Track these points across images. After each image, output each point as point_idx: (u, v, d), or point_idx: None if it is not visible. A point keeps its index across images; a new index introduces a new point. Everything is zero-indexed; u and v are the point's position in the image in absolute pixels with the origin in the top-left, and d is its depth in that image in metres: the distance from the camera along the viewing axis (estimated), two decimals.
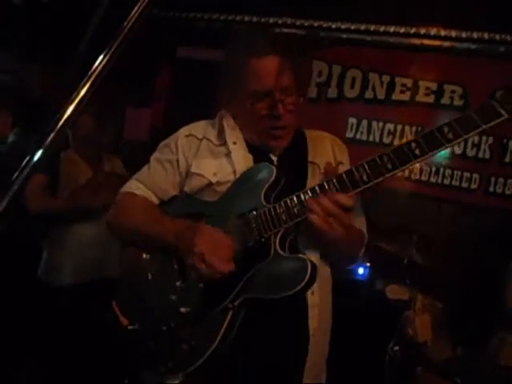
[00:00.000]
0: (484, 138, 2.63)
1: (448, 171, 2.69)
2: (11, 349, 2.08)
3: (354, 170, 1.01)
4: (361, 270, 2.36)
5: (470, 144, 2.66)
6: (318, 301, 1.13)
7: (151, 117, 3.07)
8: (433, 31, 2.69)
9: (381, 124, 2.83)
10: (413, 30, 2.72)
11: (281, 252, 1.04)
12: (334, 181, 1.01)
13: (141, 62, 3.07)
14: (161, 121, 3.08)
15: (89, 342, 2.11)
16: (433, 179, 2.71)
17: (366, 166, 1.00)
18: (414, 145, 0.98)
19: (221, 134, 1.22)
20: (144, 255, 1.22)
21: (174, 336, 1.09)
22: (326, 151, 1.24)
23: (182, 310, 1.09)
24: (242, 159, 1.17)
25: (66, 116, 0.57)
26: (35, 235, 2.33)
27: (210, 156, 1.19)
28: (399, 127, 2.79)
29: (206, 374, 1.05)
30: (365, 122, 2.85)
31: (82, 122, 2.44)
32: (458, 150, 2.68)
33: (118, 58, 0.62)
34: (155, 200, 1.25)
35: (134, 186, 1.25)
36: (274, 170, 1.09)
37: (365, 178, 0.99)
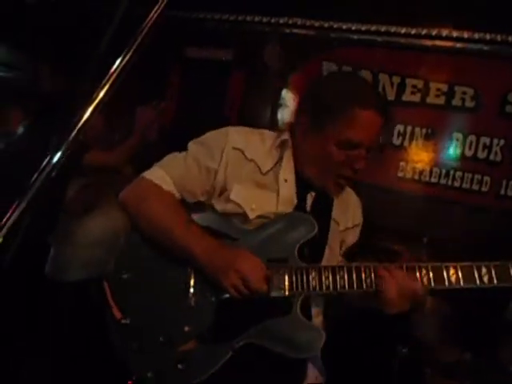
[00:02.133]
0: (495, 140, 2.61)
1: (459, 173, 2.67)
2: (19, 346, 2.09)
3: (417, 268, 1.05)
4: None
5: (481, 146, 2.63)
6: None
7: (162, 116, 3.08)
8: (445, 32, 2.67)
9: (390, 125, 2.81)
10: (424, 31, 2.70)
11: (300, 316, 1.05)
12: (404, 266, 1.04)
13: (150, 62, 3.09)
14: (170, 120, 3.10)
15: (96, 338, 2.12)
16: (443, 181, 2.69)
17: (430, 270, 1.05)
18: (484, 270, 1.03)
19: (274, 159, 1.17)
20: (157, 251, 1.15)
21: (170, 351, 1.07)
22: (349, 210, 1.28)
23: (186, 328, 1.07)
24: (288, 199, 1.15)
25: (85, 117, 0.58)
26: (42, 231, 2.34)
27: (252, 184, 1.15)
28: (409, 129, 2.77)
29: None
30: None
31: (93, 123, 2.45)
32: (468, 153, 2.66)
33: (136, 60, 0.63)
34: (179, 198, 1.19)
35: (161, 177, 1.17)
36: (316, 227, 1.10)
37: (425, 280, 1.05)
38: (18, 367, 2.09)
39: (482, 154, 2.63)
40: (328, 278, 1.04)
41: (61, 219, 2.34)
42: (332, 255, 1.21)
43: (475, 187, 2.62)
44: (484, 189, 2.61)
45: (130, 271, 1.17)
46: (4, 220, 0.54)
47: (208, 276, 1.07)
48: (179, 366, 1.04)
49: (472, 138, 2.65)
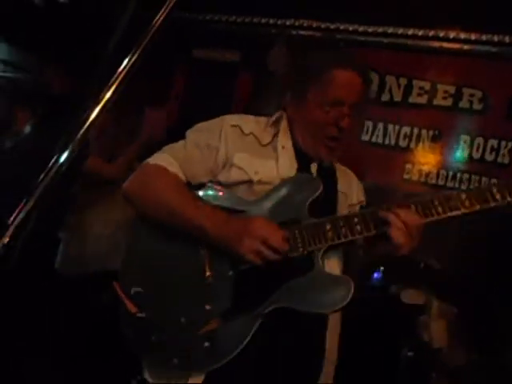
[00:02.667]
0: (503, 142, 2.59)
1: (466, 176, 2.65)
2: (28, 340, 2.11)
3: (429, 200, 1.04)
4: (375, 274, 2.33)
5: (488, 148, 2.61)
6: (334, 323, 1.16)
7: (168, 117, 3.10)
8: (452, 34, 2.65)
9: (397, 127, 2.80)
10: (431, 33, 2.69)
11: (324, 270, 1.05)
12: (419, 206, 1.04)
13: (158, 63, 3.10)
14: (177, 121, 3.11)
15: (106, 332, 2.12)
16: (450, 184, 2.67)
17: (443, 200, 1.03)
18: (495, 189, 1.01)
19: (271, 134, 1.21)
20: (165, 234, 1.13)
21: (194, 331, 1.05)
22: (353, 187, 1.31)
23: (207, 307, 1.05)
24: (287, 165, 1.18)
25: (92, 117, 0.59)
26: (52, 226, 2.36)
27: (253, 153, 1.17)
28: (416, 131, 2.76)
29: (220, 376, 1.03)
30: (381, 125, 2.82)
31: (102, 124, 2.49)
32: (476, 155, 2.64)
33: (143, 60, 0.63)
34: (184, 180, 1.18)
35: (166, 160, 1.18)
36: (321, 183, 1.11)
37: (440, 209, 1.03)
38: (22, 363, 2.10)
39: (489, 157, 2.61)
40: (344, 226, 1.04)
41: (72, 213, 2.37)
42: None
43: None
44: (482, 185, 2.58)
45: (140, 262, 1.16)
46: (11, 219, 0.55)
47: (224, 249, 1.05)
48: (206, 344, 1.02)
49: (480, 140, 2.63)
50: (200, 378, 1.04)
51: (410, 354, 1.79)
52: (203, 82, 3.09)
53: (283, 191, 1.12)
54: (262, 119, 1.27)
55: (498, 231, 2.39)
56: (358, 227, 1.04)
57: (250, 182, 1.14)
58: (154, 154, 1.24)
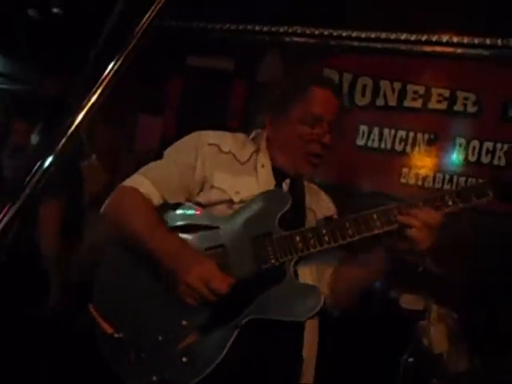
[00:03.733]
0: (499, 144, 2.59)
1: (462, 179, 2.65)
2: (32, 345, 2.08)
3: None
4: None
5: (484, 151, 2.62)
6: (310, 327, 1.17)
7: (163, 125, 3.10)
8: (445, 38, 2.67)
9: (392, 131, 2.80)
10: (424, 37, 2.70)
11: (295, 279, 1.10)
12: (381, 216, 1.09)
13: (152, 71, 3.11)
14: (172, 130, 3.11)
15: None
16: (447, 187, 2.67)
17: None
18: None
19: (249, 152, 1.24)
20: (137, 256, 1.15)
21: (172, 347, 1.06)
22: (321, 204, 1.35)
23: (184, 323, 1.07)
24: (267, 183, 1.21)
25: (77, 122, 0.58)
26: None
27: (232, 173, 1.19)
28: (411, 134, 2.76)
29: None
30: (376, 130, 2.83)
31: (105, 134, 2.54)
32: (472, 158, 2.64)
33: (128, 65, 0.63)
34: (158, 200, 1.18)
35: (139, 181, 1.19)
36: (290, 199, 1.15)
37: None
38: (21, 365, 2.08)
39: (485, 159, 2.61)
40: (313, 237, 1.09)
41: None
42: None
43: None
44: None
45: (113, 282, 1.18)
46: None
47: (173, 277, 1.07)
48: (184, 359, 1.04)
49: (475, 143, 2.63)
50: None
51: (410, 359, 1.78)
52: (198, 89, 3.10)
53: (255, 206, 1.15)
54: (240, 136, 1.29)
55: (499, 234, 2.39)
56: (326, 238, 1.09)
57: (229, 201, 1.17)
58: (151, 161, 1.25)
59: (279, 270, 1.09)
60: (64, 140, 0.56)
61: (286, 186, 1.25)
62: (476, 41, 2.60)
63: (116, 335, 1.09)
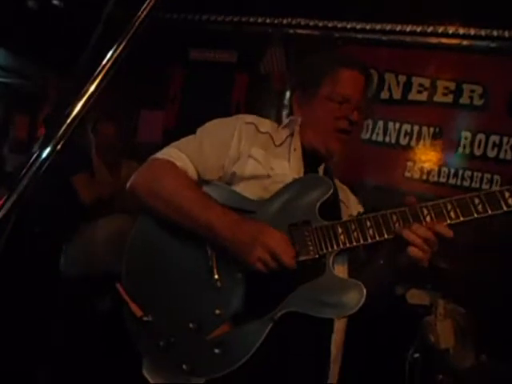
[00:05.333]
0: (505, 138, 2.55)
1: (468, 173, 2.61)
2: (35, 343, 2.09)
3: (442, 204, 1.01)
4: None
5: (490, 144, 2.58)
6: (341, 326, 1.14)
7: (164, 119, 3.08)
8: (451, 29, 2.63)
9: (397, 125, 2.76)
10: (430, 29, 2.66)
11: (336, 274, 1.03)
12: (431, 210, 1.00)
13: (154, 65, 3.08)
14: (174, 123, 3.08)
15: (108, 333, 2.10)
16: (452, 181, 2.64)
17: (456, 203, 1.00)
18: (507, 194, 0.98)
19: (284, 135, 1.22)
20: (171, 232, 1.08)
21: (204, 337, 1.01)
22: (351, 200, 1.32)
23: (217, 311, 1.02)
24: (297, 167, 1.18)
25: (74, 113, 0.55)
26: (56, 231, 2.35)
27: (268, 151, 1.17)
28: (416, 128, 2.73)
29: (228, 379, 1.00)
30: (381, 123, 2.79)
31: (106, 131, 2.53)
32: (478, 151, 2.60)
33: (128, 56, 0.60)
34: (194, 176, 1.14)
35: (174, 155, 1.13)
36: (332, 184, 1.09)
37: (453, 215, 1.00)
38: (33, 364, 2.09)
39: (491, 153, 2.58)
40: (356, 230, 1.02)
41: (83, 218, 2.39)
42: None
43: (485, 186, 2.56)
44: (494, 188, 2.54)
45: (144, 262, 1.11)
46: None
47: (232, 252, 1.02)
48: (216, 350, 0.99)
49: (481, 136, 2.60)
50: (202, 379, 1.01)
51: (415, 355, 1.76)
52: (200, 83, 3.06)
53: (293, 191, 1.10)
54: (274, 123, 1.27)
55: (506, 228, 2.36)
56: (371, 231, 1.01)
57: (264, 177, 1.12)
58: (151, 156, 1.18)
59: (318, 263, 1.02)
60: (62, 130, 0.54)
61: (321, 171, 1.23)
62: (483, 32, 2.56)
63: (145, 318, 1.03)
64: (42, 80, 3.12)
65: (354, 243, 1.02)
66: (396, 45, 2.74)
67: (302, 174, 1.17)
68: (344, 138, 1.20)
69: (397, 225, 1.01)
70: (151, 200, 1.10)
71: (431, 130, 2.70)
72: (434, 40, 2.68)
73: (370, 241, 1.01)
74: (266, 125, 1.22)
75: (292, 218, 1.05)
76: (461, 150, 2.63)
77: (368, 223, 1.02)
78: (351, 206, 1.29)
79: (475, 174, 2.60)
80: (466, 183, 2.61)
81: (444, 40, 2.65)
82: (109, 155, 2.59)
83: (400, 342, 1.86)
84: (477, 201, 0.98)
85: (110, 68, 0.57)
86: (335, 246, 1.02)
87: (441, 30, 2.64)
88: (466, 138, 2.63)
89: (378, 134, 2.80)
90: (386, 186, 2.69)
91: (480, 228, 2.47)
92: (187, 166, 1.12)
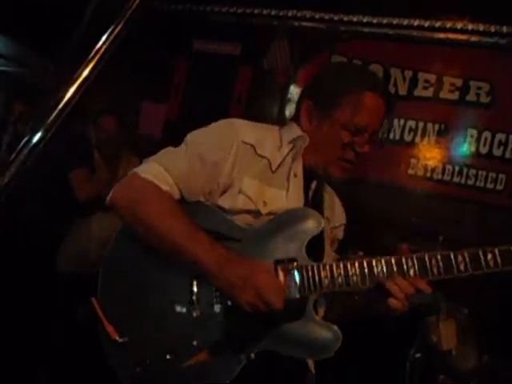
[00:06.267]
0: (511, 136, 2.51)
1: (472, 171, 2.58)
2: (32, 340, 2.08)
3: (427, 259, 1.02)
4: None
5: (496, 142, 2.54)
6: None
7: (168, 111, 3.05)
8: (459, 25, 2.58)
9: (402, 121, 2.73)
10: (438, 24, 2.61)
11: (315, 317, 1.03)
12: (416, 264, 1.02)
13: (157, 56, 3.04)
14: (176, 114, 3.05)
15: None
16: (456, 179, 2.60)
17: (440, 260, 1.02)
18: (490, 256, 1.00)
19: (283, 154, 1.12)
20: (153, 254, 1.03)
21: (180, 365, 0.99)
22: (336, 209, 1.28)
23: (195, 343, 1.00)
24: (296, 195, 1.12)
25: (67, 97, 0.52)
26: (54, 226, 2.34)
27: (262, 181, 1.08)
28: (421, 124, 2.69)
29: None
30: (385, 119, 2.75)
31: (107, 125, 2.50)
32: (483, 150, 2.57)
33: (122, 40, 0.57)
34: (178, 198, 1.06)
35: (159, 175, 1.03)
36: (323, 222, 1.06)
37: (435, 271, 1.02)
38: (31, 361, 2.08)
39: (497, 151, 2.54)
40: (340, 275, 1.01)
41: (79, 213, 2.38)
42: (329, 250, 1.21)
43: (490, 185, 2.53)
44: (499, 187, 2.51)
45: (122, 281, 1.06)
46: None
47: (219, 288, 1.00)
48: (192, 382, 0.99)
49: (487, 134, 2.56)
50: None
51: (417, 355, 1.74)
52: (203, 74, 3.03)
53: (283, 224, 1.05)
54: (275, 132, 1.16)
55: (509, 229, 2.33)
56: (355, 278, 1.01)
57: (256, 212, 1.06)
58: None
59: (299, 304, 1.01)
60: (53, 115, 0.51)
61: (311, 192, 1.17)
62: (492, 28, 2.51)
63: (120, 340, 1.00)
64: (42, 69, 3.08)
65: (337, 289, 1.02)
66: (403, 39, 2.69)
67: (301, 201, 1.12)
68: (347, 167, 1.14)
69: (381, 274, 1.01)
70: (133, 224, 1.04)
71: (436, 126, 2.66)
72: (441, 35, 2.63)
73: (352, 288, 1.02)
74: (265, 145, 1.10)
75: (278, 253, 1.03)
76: (466, 147, 2.60)
77: (353, 270, 1.01)
78: (335, 216, 1.26)
79: (480, 172, 2.56)
80: (471, 182, 2.57)
81: (452, 35, 2.61)
82: (108, 150, 2.54)
83: (401, 341, 1.84)
84: (460, 258, 1.01)
85: (104, 52, 0.53)
86: (318, 289, 1.01)
87: (449, 25, 2.59)
88: (471, 136, 2.59)
89: (382, 131, 2.76)
90: (389, 184, 2.66)
91: (482, 226, 2.46)
92: (172, 190, 1.04)
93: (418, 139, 2.69)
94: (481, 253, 1.00)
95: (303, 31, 2.87)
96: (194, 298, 1.02)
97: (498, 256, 0.99)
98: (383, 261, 1.01)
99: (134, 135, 3.02)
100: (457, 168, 2.61)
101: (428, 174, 2.65)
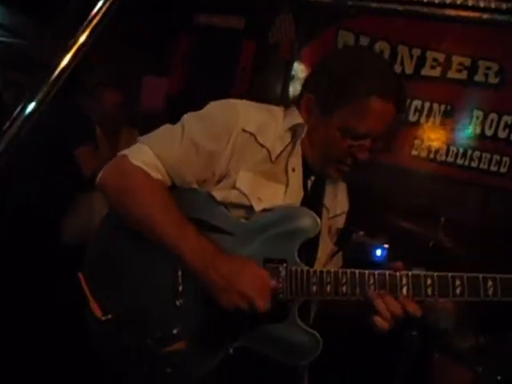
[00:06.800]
0: None
1: (476, 153, 2.55)
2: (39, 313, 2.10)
3: (422, 278, 0.97)
4: (378, 252, 2.27)
5: (502, 125, 2.50)
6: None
7: (169, 85, 3.00)
8: (470, 1, 2.50)
9: (408, 101, 2.68)
10: (448, 0, 2.53)
11: (299, 321, 1.00)
12: (410, 281, 0.97)
13: (159, 30, 2.97)
14: (179, 90, 3.00)
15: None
16: (460, 161, 2.58)
17: (436, 280, 0.97)
18: (490, 283, 0.95)
19: (284, 143, 1.06)
20: (141, 238, 1.00)
21: (158, 352, 0.99)
22: (339, 197, 1.22)
23: (175, 331, 0.99)
24: (295, 191, 1.07)
25: (62, 65, 0.50)
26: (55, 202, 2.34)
27: (259, 173, 1.03)
28: (427, 105, 2.65)
29: None
30: None
31: (107, 99, 2.46)
32: (489, 132, 2.53)
33: (119, 6, 0.54)
34: (169, 184, 1.03)
35: (149, 161, 0.99)
36: (319, 225, 1.01)
37: (429, 292, 0.96)
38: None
39: (502, 134, 2.50)
40: (330, 283, 0.98)
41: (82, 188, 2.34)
42: (324, 244, 1.16)
43: (493, 168, 2.51)
44: (503, 170, 2.49)
45: (110, 258, 1.05)
46: None
47: (202, 284, 0.97)
48: (168, 370, 0.99)
49: (493, 116, 2.52)
50: None
51: (413, 333, 1.76)
52: (206, 49, 2.96)
53: (279, 222, 1.01)
54: (279, 114, 1.09)
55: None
56: (344, 288, 0.98)
57: (249, 207, 1.02)
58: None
59: (284, 306, 0.99)
60: (48, 84, 0.49)
61: (310, 182, 1.12)
62: (504, 6, 2.44)
63: (104, 318, 1.00)
64: (41, 41, 3.01)
65: (325, 296, 0.98)
66: (412, 16, 2.62)
67: (300, 197, 1.07)
68: (343, 170, 1.09)
69: (372, 287, 0.97)
70: (120, 210, 1.01)
71: (442, 107, 2.62)
72: (452, 12, 2.55)
73: (341, 297, 0.99)
74: (267, 133, 1.04)
75: (269, 252, 1.00)
76: (471, 129, 2.56)
77: (344, 279, 0.98)
78: (337, 204, 1.21)
79: (484, 154, 2.53)
80: (474, 164, 2.55)
81: (463, 13, 2.53)
82: (109, 124, 2.51)
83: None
84: (458, 282, 0.96)
85: (101, 18, 0.51)
86: (305, 294, 0.98)
87: (460, 1, 2.51)
88: (477, 117, 2.55)
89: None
90: (392, 165, 2.63)
91: (484, 208, 2.45)
92: (163, 177, 1.00)
93: (423, 120, 2.65)
94: (481, 279, 0.94)
95: (309, 5, 2.79)
96: (180, 287, 1.00)
97: (498, 284, 0.94)
98: (376, 274, 0.97)
99: (135, 109, 2.98)
100: (461, 150, 2.58)
101: (431, 156, 2.62)
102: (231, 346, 0.99)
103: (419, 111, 2.66)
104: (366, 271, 0.98)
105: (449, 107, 2.60)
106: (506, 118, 2.49)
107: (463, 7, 2.52)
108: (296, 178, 1.07)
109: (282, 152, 1.06)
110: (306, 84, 1.11)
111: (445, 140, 2.62)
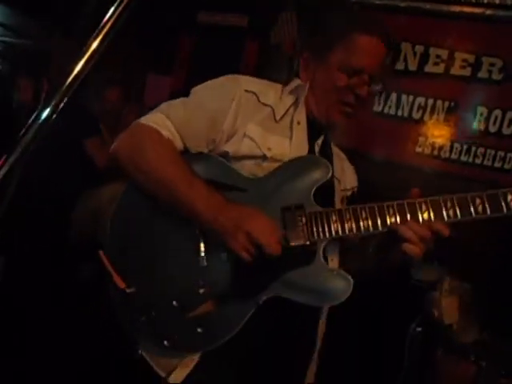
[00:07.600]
0: None
1: (481, 150, 2.55)
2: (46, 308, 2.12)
3: (442, 201, 0.97)
4: None
5: (506, 121, 2.50)
6: (326, 311, 1.14)
7: (173, 83, 3.01)
8: None
9: (411, 98, 2.68)
10: None
11: (325, 263, 1.01)
12: (430, 207, 0.97)
13: (163, 28, 2.98)
14: (182, 88, 3.02)
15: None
16: (464, 158, 2.58)
17: (456, 202, 0.96)
18: (510, 196, 0.94)
19: (286, 105, 1.11)
20: (158, 205, 1.03)
21: (186, 315, 1.00)
22: (346, 172, 1.25)
23: (201, 290, 1.00)
24: (300, 143, 1.10)
25: (76, 71, 0.52)
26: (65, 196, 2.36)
27: (267, 129, 1.07)
28: (430, 102, 2.65)
29: (210, 360, 1.00)
30: (394, 96, 2.71)
31: (111, 97, 2.47)
32: (493, 128, 2.53)
33: (135, 16, 0.56)
34: (179, 148, 1.05)
35: (160, 122, 1.03)
36: (331, 169, 1.03)
37: (451, 214, 0.96)
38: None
39: (507, 130, 2.50)
40: (350, 220, 0.98)
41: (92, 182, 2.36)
42: (339, 203, 1.19)
43: (498, 164, 2.50)
44: (507, 166, 2.49)
45: (129, 233, 1.07)
46: None
47: (215, 236, 0.98)
48: (198, 329, 0.98)
49: (497, 112, 2.51)
50: (182, 376, 1.01)
51: (418, 329, 1.77)
52: (209, 47, 2.97)
53: (289, 172, 1.04)
54: (278, 86, 1.15)
55: None
56: (365, 222, 0.98)
57: (260, 157, 1.05)
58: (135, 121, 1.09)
59: (309, 250, 0.99)
60: (62, 91, 0.51)
61: (317, 147, 1.15)
62: (508, 2, 2.43)
63: (128, 290, 1.00)
64: (45, 40, 3.03)
65: (347, 233, 0.98)
66: (415, 12, 2.61)
67: (305, 151, 1.10)
68: (347, 111, 1.11)
69: (393, 219, 0.96)
70: (132, 171, 1.04)
71: (446, 104, 2.61)
72: (455, 8, 2.55)
73: (363, 232, 0.98)
74: (268, 94, 1.10)
75: (285, 201, 1.01)
76: (475, 125, 2.56)
77: (363, 214, 0.98)
78: (346, 178, 1.24)
79: (488, 151, 2.53)
80: (478, 160, 2.55)
81: (466, 9, 2.53)
82: (112, 122, 2.54)
83: (403, 315, 1.86)
84: (478, 201, 0.94)
85: (114, 23, 0.53)
86: (327, 235, 0.98)
87: None
88: (481, 114, 2.54)
89: (390, 107, 2.72)
90: (396, 161, 2.64)
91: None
92: (173, 136, 1.03)
93: (426, 116, 2.65)
94: (500, 194, 0.93)
95: (312, 2, 2.79)
96: (202, 246, 1.01)
97: (485, 201, 0.94)
98: (395, 204, 0.97)
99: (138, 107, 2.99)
100: (465, 146, 2.58)
101: (435, 152, 2.62)
102: (260, 298, 0.98)
103: (423, 108, 2.66)
104: (385, 203, 0.98)
105: (452, 104, 2.60)
106: (510, 115, 2.49)
107: (467, 3, 2.52)
108: (301, 130, 1.10)
109: (286, 111, 1.11)
110: (300, 49, 1.18)
111: (449, 137, 2.62)
